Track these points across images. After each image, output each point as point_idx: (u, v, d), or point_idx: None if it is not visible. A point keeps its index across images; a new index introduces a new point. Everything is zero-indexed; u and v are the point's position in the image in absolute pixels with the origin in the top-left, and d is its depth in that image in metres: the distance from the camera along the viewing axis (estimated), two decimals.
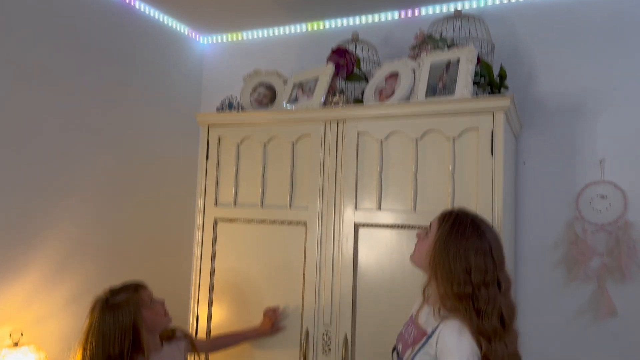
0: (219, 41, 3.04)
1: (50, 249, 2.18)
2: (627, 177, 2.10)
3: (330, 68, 2.19)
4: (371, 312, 1.92)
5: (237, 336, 2.07)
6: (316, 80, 2.21)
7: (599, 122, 2.18)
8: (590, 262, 2.10)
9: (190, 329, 2.22)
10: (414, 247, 1.55)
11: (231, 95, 2.33)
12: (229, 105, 2.28)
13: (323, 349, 1.97)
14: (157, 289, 1.82)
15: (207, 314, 2.21)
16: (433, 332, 1.36)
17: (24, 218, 2.08)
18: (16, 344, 1.90)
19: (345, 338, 1.93)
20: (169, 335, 1.84)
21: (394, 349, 1.56)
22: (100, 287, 2.37)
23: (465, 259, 1.34)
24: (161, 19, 2.77)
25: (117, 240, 2.49)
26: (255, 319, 2.11)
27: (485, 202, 1.78)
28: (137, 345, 1.64)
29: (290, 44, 2.85)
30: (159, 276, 2.64)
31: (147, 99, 2.68)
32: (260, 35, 2.93)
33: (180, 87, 2.92)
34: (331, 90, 2.19)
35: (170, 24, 2.84)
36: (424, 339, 1.38)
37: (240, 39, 2.99)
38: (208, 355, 2.19)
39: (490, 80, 2.10)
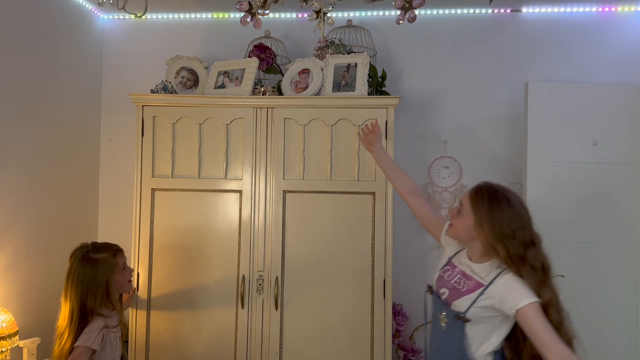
0: (120, 18, 3.18)
1: None
2: (463, 153, 2.99)
3: (255, 61, 2.62)
4: (296, 258, 2.49)
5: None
6: (242, 70, 2.62)
7: (443, 113, 3.03)
8: (439, 212, 2.96)
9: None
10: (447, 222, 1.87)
11: (166, 80, 2.61)
12: (163, 88, 2.56)
13: (257, 289, 2.49)
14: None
15: (148, 271, 2.54)
16: (491, 282, 1.61)
17: None
18: None
19: (277, 279, 2.47)
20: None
21: (431, 289, 1.83)
22: (37, 255, 2.56)
23: (507, 225, 1.57)
24: None
25: (44, 208, 2.62)
26: (194, 274, 2.52)
27: (380, 172, 2.46)
28: (106, 300, 1.97)
29: (195, 29, 3.15)
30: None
31: (52, 73, 2.71)
32: (164, 17, 3.15)
33: (81, 62, 2.99)
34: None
35: None
36: (481, 289, 1.62)
37: (143, 18, 3.17)
38: (150, 312, 2.54)
39: (375, 80, 2.77)
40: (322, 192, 2.49)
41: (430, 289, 1.84)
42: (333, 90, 2.59)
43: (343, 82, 2.61)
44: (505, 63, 2.98)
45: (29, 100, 2.52)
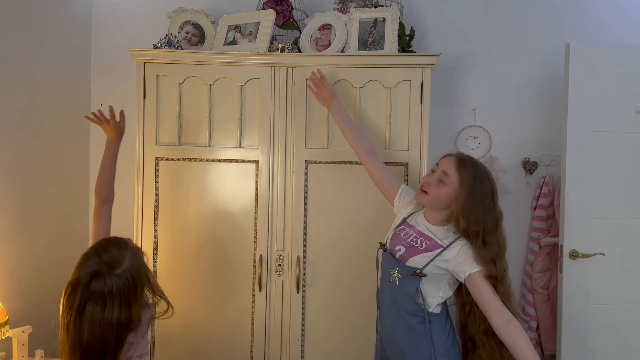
0: None
1: None
2: (492, 123, 2.75)
3: (271, 13, 2.31)
4: (320, 235, 2.24)
5: (105, 167, 1.96)
6: (257, 24, 2.32)
7: (472, 79, 2.77)
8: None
9: None
10: (421, 188, 1.79)
11: (170, 33, 2.29)
12: (168, 43, 2.25)
13: (276, 270, 2.24)
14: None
15: (153, 251, 2.27)
16: (449, 246, 1.72)
17: None
18: None
19: (298, 259, 2.23)
20: None
21: (383, 246, 1.88)
22: (25, 233, 2.24)
23: (484, 202, 1.67)
24: None
25: (31, 181, 2.31)
26: (205, 254, 2.26)
27: (414, 141, 2.21)
28: (151, 289, 1.64)
29: None
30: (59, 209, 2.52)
31: (33, 28, 2.33)
32: None
33: (67, 15, 2.62)
34: None
35: None
36: (439, 250, 1.72)
37: None
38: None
39: (404, 39, 2.50)
40: (348, 162, 2.23)
41: (383, 246, 1.90)
42: (359, 49, 2.31)
43: (370, 39, 2.33)
44: (542, 23, 2.72)
45: (7, 59, 2.16)
